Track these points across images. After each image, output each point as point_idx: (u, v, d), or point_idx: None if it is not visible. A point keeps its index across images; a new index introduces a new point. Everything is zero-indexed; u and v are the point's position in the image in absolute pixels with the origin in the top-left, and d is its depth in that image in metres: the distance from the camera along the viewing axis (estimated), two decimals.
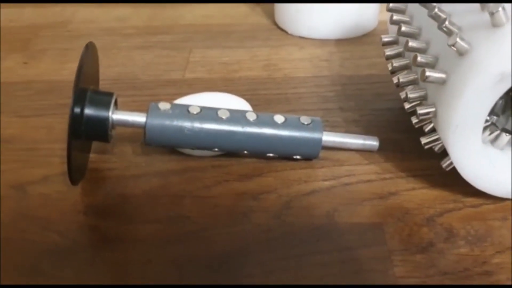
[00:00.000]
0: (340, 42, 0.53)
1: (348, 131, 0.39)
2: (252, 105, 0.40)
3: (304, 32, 0.54)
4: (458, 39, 0.28)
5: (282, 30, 0.56)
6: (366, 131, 0.39)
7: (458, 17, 0.30)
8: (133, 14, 0.61)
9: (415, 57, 0.31)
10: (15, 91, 0.45)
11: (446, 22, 0.29)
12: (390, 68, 0.37)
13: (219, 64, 0.49)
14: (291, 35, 0.55)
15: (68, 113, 0.30)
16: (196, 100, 0.39)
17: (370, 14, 0.54)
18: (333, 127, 0.40)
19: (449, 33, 0.29)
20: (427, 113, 0.31)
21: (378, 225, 0.31)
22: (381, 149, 0.37)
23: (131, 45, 0.53)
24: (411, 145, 0.37)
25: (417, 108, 0.31)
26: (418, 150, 0.35)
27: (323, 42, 0.53)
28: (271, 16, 0.58)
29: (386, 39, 0.38)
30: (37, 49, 0.53)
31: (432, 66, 0.31)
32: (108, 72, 0.47)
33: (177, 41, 0.54)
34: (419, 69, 0.33)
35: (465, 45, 0.28)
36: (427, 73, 0.29)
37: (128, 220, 0.32)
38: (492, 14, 0.27)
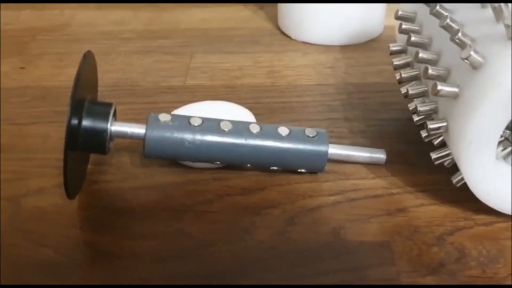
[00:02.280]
0: (345, 48, 0.52)
1: (353, 142, 0.38)
2: (255, 114, 0.39)
3: (308, 38, 0.53)
4: (472, 53, 0.27)
5: (285, 35, 0.55)
6: (372, 142, 0.38)
7: (471, 28, 0.29)
8: (132, 17, 0.59)
9: (426, 69, 0.29)
10: (10, 97, 0.44)
11: (459, 34, 0.28)
12: (398, 78, 0.36)
13: (220, 70, 0.48)
14: (294, 40, 0.54)
15: (65, 125, 0.29)
16: (197, 109, 0.38)
17: (376, 19, 0.53)
18: (338, 138, 0.39)
19: (462, 45, 0.28)
20: (438, 128, 0.30)
21: (386, 243, 0.30)
22: (388, 161, 0.36)
23: (130, 50, 0.52)
24: (419, 158, 0.36)
25: (428, 123, 0.30)
26: (427, 163, 0.34)
27: (327, 48, 0.52)
28: (274, 20, 0.57)
29: (394, 48, 0.37)
30: (34, 53, 0.52)
31: (443, 79, 0.29)
32: (107, 78, 0.46)
33: (178, 46, 0.53)
34: (430, 81, 0.31)
35: (480, 59, 0.27)
36: (439, 87, 0.28)
37: (125, 235, 0.31)
38: (508, 26, 0.26)
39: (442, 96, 0.28)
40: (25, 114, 0.42)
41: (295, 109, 0.43)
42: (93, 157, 0.36)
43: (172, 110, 0.38)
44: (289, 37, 0.54)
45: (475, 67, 0.27)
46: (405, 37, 0.35)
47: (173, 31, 0.56)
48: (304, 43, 0.53)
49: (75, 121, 0.30)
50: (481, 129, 0.27)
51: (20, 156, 0.37)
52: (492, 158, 0.28)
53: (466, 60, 0.27)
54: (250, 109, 0.39)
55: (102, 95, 0.37)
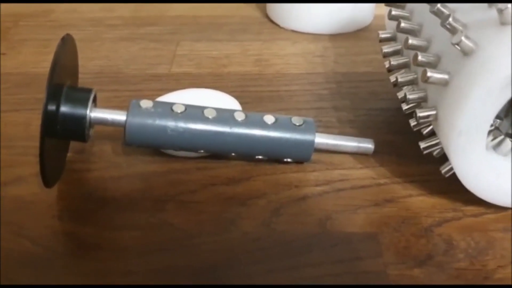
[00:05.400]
0: (335, 37, 0.51)
1: (342, 132, 0.37)
2: (241, 103, 0.38)
3: (297, 26, 0.52)
4: (463, 38, 0.26)
5: (274, 23, 0.54)
6: (361, 132, 0.37)
7: (463, 14, 0.28)
8: (119, 4, 0.58)
9: (416, 56, 0.29)
10: None
11: (450, 19, 0.27)
12: (387, 66, 0.35)
13: (207, 58, 0.47)
14: (283, 28, 0.53)
15: (41, 110, 0.28)
16: (182, 97, 0.37)
17: (366, 8, 0.52)
18: (326, 128, 0.38)
19: (453, 31, 0.27)
20: (427, 116, 0.29)
21: (373, 235, 0.29)
22: (376, 151, 0.35)
23: (115, 37, 0.51)
24: (408, 148, 0.35)
25: (417, 111, 0.29)
26: (415, 154, 0.33)
27: (316, 36, 0.51)
28: (263, 8, 0.56)
29: (383, 35, 0.36)
30: (16, 39, 0.50)
31: (433, 66, 0.29)
32: (91, 65, 0.45)
33: (164, 33, 0.51)
34: (420, 69, 0.31)
35: (471, 45, 0.26)
36: (429, 74, 0.27)
37: (107, 226, 0.30)
38: (500, 11, 0.25)
39: (432, 83, 0.27)
40: (6, 101, 0.41)
41: (283, 98, 0.42)
42: (73, 145, 0.35)
43: (157, 98, 0.37)
44: (278, 26, 0.53)
45: (466, 53, 0.26)
46: (394, 24, 0.35)
47: (160, 18, 0.55)
48: (293, 31, 0.52)
49: (52, 107, 0.29)
50: (471, 118, 0.26)
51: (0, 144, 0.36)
52: (482, 148, 0.28)
53: (457, 46, 0.26)
54: (237, 97, 0.38)
55: (86, 82, 0.36)
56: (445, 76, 0.27)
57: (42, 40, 0.50)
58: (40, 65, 0.46)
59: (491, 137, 0.30)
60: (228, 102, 0.37)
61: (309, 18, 0.51)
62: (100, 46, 0.49)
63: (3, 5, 0.57)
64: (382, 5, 0.37)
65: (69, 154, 0.34)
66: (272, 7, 0.54)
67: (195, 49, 0.48)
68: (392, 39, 0.36)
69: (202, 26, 0.53)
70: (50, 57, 0.46)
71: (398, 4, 0.35)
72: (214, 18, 0.55)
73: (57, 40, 0.49)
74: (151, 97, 0.35)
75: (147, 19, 0.54)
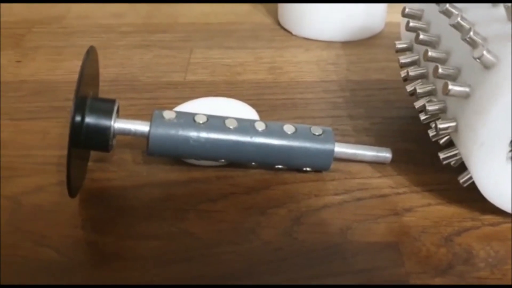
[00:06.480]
0: (347, 44, 0.51)
1: (358, 140, 0.38)
2: (257, 111, 0.38)
3: (309, 33, 0.52)
4: (485, 52, 0.26)
5: (286, 30, 0.54)
6: (377, 141, 0.38)
7: (483, 27, 0.28)
8: (130, 10, 0.58)
9: (436, 68, 0.29)
10: (6, 92, 0.43)
11: (471, 33, 0.27)
12: (403, 75, 0.36)
13: (221, 66, 0.47)
14: (295, 36, 0.53)
15: (69, 122, 0.28)
16: (199, 106, 0.37)
17: (378, 16, 0.53)
18: (343, 136, 0.38)
19: (474, 44, 0.27)
20: (447, 128, 0.29)
21: (394, 244, 0.30)
22: (393, 160, 0.35)
23: (129, 44, 0.51)
24: (425, 156, 0.36)
25: (437, 123, 0.29)
26: (432, 162, 0.33)
27: (329, 44, 0.51)
28: (274, 15, 0.56)
29: (400, 46, 0.37)
30: (30, 46, 0.50)
31: (453, 78, 0.29)
32: (106, 73, 0.45)
33: (177, 40, 0.52)
34: (438, 80, 0.31)
35: (493, 58, 0.26)
36: (450, 87, 0.27)
37: (128, 235, 0.30)
38: None
39: (453, 95, 0.28)
40: (22, 109, 0.41)
41: (298, 106, 0.42)
42: (93, 153, 0.35)
43: (173, 106, 0.37)
44: (290, 33, 0.53)
45: (487, 66, 0.26)
46: (409, 34, 0.35)
47: (172, 25, 0.55)
48: (305, 38, 0.52)
49: (78, 119, 0.29)
50: (493, 130, 0.26)
51: (18, 152, 0.36)
52: (503, 159, 0.28)
53: (478, 60, 0.26)
54: (252, 105, 0.39)
55: (102, 90, 0.36)
56: (466, 89, 0.27)
57: (55, 47, 0.50)
58: (55, 72, 0.46)
59: (509, 148, 0.30)
60: (246, 111, 0.37)
61: (321, 25, 0.51)
62: (114, 53, 0.49)
63: (16, 11, 0.57)
64: (393, 12, 0.38)
65: (89, 163, 0.35)
66: (284, 14, 0.54)
67: (208, 57, 0.49)
68: (408, 49, 0.37)
69: (213, 33, 0.53)
70: (63, 65, 0.47)
71: (415, 14, 0.35)
72: (225, 25, 0.55)
73: (70, 47, 0.50)
74: (168, 106, 0.35)
75: (159, 26, 0.55)
